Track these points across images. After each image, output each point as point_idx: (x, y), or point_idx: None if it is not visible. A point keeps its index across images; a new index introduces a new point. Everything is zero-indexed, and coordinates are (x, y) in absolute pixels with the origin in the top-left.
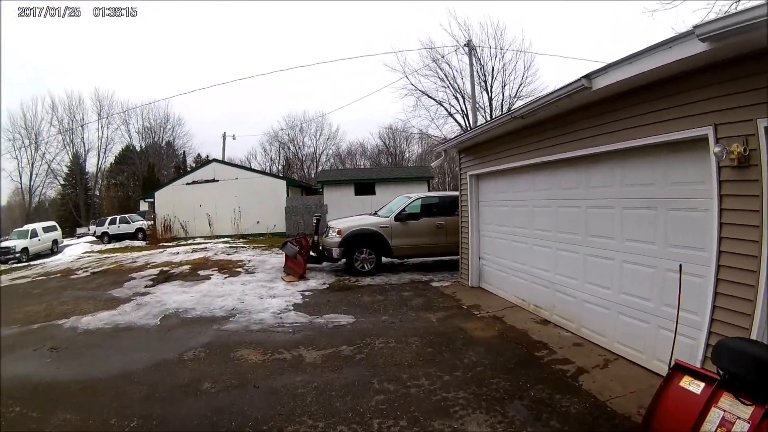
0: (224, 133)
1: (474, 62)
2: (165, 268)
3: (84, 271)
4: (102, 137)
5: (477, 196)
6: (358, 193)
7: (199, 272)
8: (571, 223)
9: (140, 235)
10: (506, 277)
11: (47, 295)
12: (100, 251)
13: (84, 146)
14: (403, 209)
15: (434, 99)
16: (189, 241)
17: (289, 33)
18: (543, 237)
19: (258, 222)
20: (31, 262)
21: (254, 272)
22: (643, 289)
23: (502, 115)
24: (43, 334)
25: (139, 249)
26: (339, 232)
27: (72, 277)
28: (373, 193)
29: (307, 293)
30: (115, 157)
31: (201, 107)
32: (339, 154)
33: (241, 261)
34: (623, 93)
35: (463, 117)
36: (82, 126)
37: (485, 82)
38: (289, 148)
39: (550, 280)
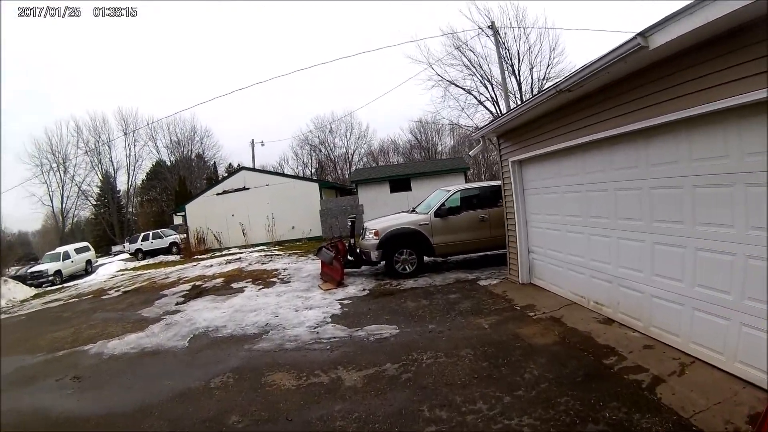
0: (252, 140)
1: (499, 46)
2: (197, 283)
3: (116, 291)
4: (130, 155)
5: (521, 183)
6: (393, 190)
7: (232, 285)
8: (631, 208)
9: (174, 250)
10: (561, 272)
11: (76, 318)
12: (133, 268)
13: (113, 165)
14: (443, 204)
15: (462, 88)
16: (224, 252)
17: (300, 32)
18: (600, 225)
19: (293, 227)
20: (65, 284)
21: (290, 281)
22: (721, 281)
23: (544, 90)
24: (67, 362)
25: (173, 264)
26: (376, 234)
27: (103, 297)
28: (408, 189)
29: (345, 302)
30: (147, 173)
31: (227, 117)
32: (371, 152)
33: (276, 270)
34: (687, 50)
35: (493, 104)
36: (108, 145)
37: (512, 66)
38: (320, 151)
39: (611, 273)
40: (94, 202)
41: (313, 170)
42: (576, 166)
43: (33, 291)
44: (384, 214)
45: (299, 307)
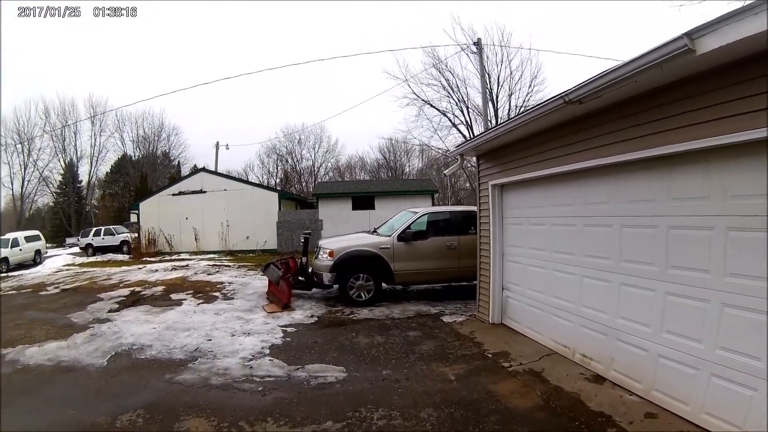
0: (217, 142)
1: (483, 61)
2: (137, 289)
3: (55, 288)
4: (95, 145)
5: (501, 211)
6: (356, 207)
7: (171, 296)
8: (641, 249)
9: (125, 248)
10: (541, 316)
11: (6, 314)
12: (80, 264)
13: (77, 153)
14: (408, 227)
15: (437, 108)
16: (174, 257)
17: (292, 35)
18: (599, 267)
19: (248, 237)
20: (10, 274)
21: (233, 298)
22: (750, 344)
23: (548, 100)
24: None
25: (120, 264)
26: (330, 254)
27: (41, 293)
28: (372, 207)
29: (290, 329)
30: (111, 166)
31: (199, 118)
32: (338, 168)
33: (221, 283)
34: (738, 61)
35: (467, 128)
36: (75, 132)
37: (491, 91)
38: (287, 161)
39: (607, 324)
40: (55, 190)
41: (278, 180)
42: (573, 194)
43: None
44: (345, 231)
45: (237, 331)
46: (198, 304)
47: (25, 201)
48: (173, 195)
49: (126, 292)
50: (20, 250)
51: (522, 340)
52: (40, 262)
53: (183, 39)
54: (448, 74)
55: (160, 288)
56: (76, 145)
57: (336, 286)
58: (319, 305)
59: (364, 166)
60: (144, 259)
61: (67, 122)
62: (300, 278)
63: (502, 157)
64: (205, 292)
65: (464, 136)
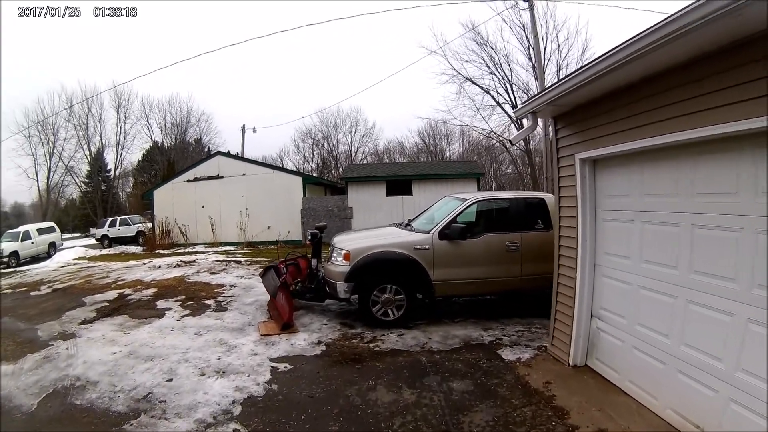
0: (243, 125)
1: (534, 14)
2: (127, 291)
3: (48, 287)
4: (120, 132)
5: (593, 200)
6: (390, 193)
7: (158, 302)
8: None
9: (140, 239)
10: (660, 371)
11: None
12: (90, 258)
13: (102, 143)
14: (453, 219)
15: (479, 86)
16: (189, 248)
17: (302, 35)
18: None
19: (269, 227)
20: (19, 268)
21: (226, 309)
22: None
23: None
24: None
25: (128, 257)
26: (346, 257)
27: (32, 293)
28: (409, 193)
29: (282, 367)
30: (144, 154)
31: (231, 105)
32: (376, 152)
33: (221, 286)
34: None
35: (512, 107)
36: (100, 121)
37: (540, 62)
38: (323, 146)
39: None
40: (84, 179)
41: (314, 166)
42: (740, 176)
43: None
44: (377, 221)
45: (210, 366)
46: (181, 317)
47: (51, 192)
48: (188, 181)
49: (113, 295)
50: (32, 243)
51: (622, 402)
52: (54, 255)
53: (183, 39)
54: (490, 50)
55: (150, 291)
56: (101, 133)
57: (355, 297)
58: (332, 324)
59: (403, 151)
60: (156, 252)
61: (90, 110)
62: (311, 285)
63: (600, 116)
64: (198, 298)
65: (509, 116)
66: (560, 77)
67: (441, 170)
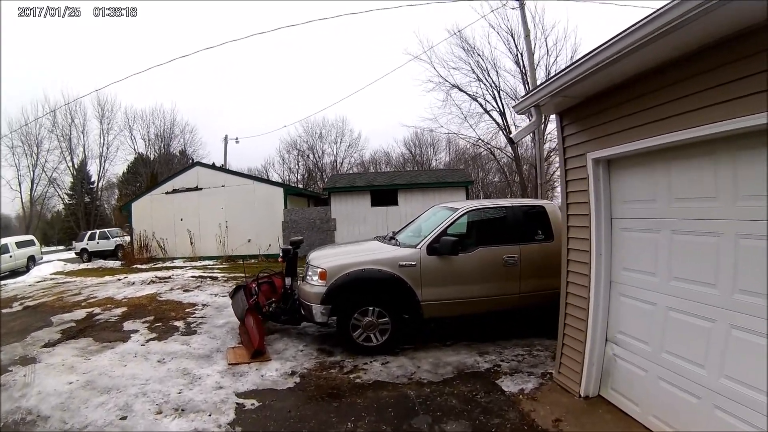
0: (226, 135)
1: (524, 13)
2: (96, 310)
3: (20, 304)
4: (103, 143)
5: (608, 206)
6: (375, 203)
7: (125, 324)
8: None
9: (119, 253)
10: (691, 404)
11: None
12: (67, 273)
13: (85, 154)
14: (442, 231)
15: (467, 93)
16: (167, 263)
17: (298, 35)
18: None
19: (249, 241)
20: None
21: (195, 332)
22: None
23: None
24: None
25: (105, 273)
26: (322, 275)
27: (4, 311)
28: (395, 203)
29: (248, 404)
30: (128, 166)
31: (216, 117)
32: (362, 163)
33: (193, 305)
34: None
35: (500, 115)
36: (83, 132)
37: (526, 69)
38: (308, 157)
39: None
40: (67, 191)
41: (300, 177)
42: None
43: None
44: (362, 233)
45: (170, 400)
46: (147, 341)
47: (34, 204)
48: (166, 193)
49: (82, 314)
50: (10, 256)
51: None
52: (32, 269)
53: (183, 39)
54: (477, 57)
55: (119, 311)
56: (84, 145)
57: (334, 319)
58: (309, 350)
59: (389, 161)
60: (134, 266)
61: (73, 120)
62: (285, 306)
63: (618, 108)
64: (167, 319)
65: (497, 123)
66: (568, 63)
67: (428, 179)
